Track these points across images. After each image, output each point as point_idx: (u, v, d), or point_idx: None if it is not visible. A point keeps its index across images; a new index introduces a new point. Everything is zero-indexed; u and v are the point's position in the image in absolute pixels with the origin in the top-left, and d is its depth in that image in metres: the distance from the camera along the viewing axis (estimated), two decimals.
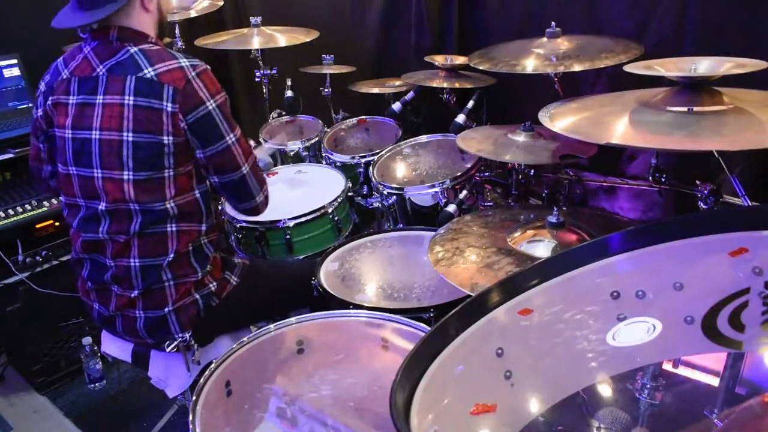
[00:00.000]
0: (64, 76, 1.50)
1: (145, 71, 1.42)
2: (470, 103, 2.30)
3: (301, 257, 2.12)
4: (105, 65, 1.46)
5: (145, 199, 1.46)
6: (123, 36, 1.48)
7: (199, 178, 1.54)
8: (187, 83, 1.43)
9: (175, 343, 1.56)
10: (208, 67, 1.50)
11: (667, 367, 1.18)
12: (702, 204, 1.47)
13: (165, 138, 1.42)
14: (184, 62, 1.45)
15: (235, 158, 1.53)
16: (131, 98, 1.42)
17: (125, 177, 1.44)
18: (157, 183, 1.46)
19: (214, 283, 1.62)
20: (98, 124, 1.44)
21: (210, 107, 1.46)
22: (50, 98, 1.52)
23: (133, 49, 1.46)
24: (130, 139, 1.42)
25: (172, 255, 1.51)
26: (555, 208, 1.56)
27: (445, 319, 0.85)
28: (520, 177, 2.04)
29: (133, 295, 1.53)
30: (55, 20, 1.51)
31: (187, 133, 1.45)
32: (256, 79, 2.99)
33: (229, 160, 1.52)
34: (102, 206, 1.48)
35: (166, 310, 1.54)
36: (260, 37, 2.77)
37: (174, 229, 1.51)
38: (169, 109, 1.41)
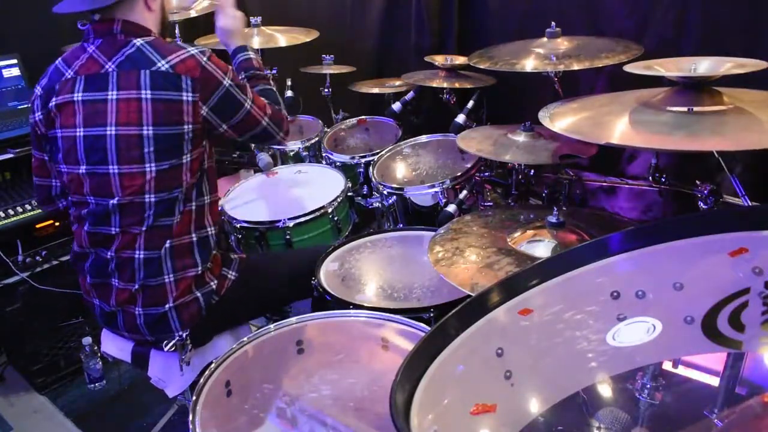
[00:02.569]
0: (69, 76, 1.50)
1: (159, 64, 1.44)
2: (470, 103, 2.29)
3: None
4: (114, 61, 1.47)
5: (164, 188, 1.48)
6: (127, 29, 1.49)
7: (201, 159, 1.57)
8: (202, 70, 1.48)
9: (174, 341, 1.56)
10: (211, 50, 1.55)
11: (667, 367, 1.18)
12: (702, 204, 1.47)
13: (186, 126, 1.47)
14: (193, 50, 1.50)
15: (255, 118, 1.62)
16: (148, 92, 1.43)
17: (147, 169, 1.46)
18: (177, 170, 1.49)
19: (214, 281, 1.62)
20: (113, 120, 1.45)
21: (227, 84, 1.52)
22: (53, 100, 1.51)
23: (140, 42, 1.47)
24: (151, 132, 1.44)
25: (175, 241, 1.52)
26: (555, 208, 1.56)
27: (445, 319, 0.85)
28: (520, 177, 2.04)
29: (134, 288, 1.53)
30: (57, 6, 1.51)
31: (209, 117, 1.51)
32: None
33: (251, 121, 1.61)
34: (114, 201, 1.48)
35: (167, 306, 1.55)
36: (260, 37, 2.77)
37: (178, 218, 1.52)
38: (190, 98, 1.45)
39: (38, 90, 1.55)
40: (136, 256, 1.52)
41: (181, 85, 1.45)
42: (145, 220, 1.49)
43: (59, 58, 1.56)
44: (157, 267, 1.52)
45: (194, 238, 1.56)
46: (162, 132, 1.45)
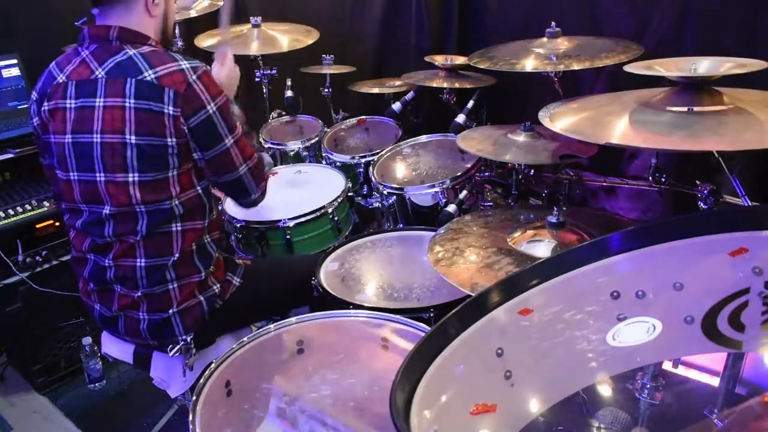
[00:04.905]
0: (60, 81, 1.48)
1: (145, 74, 1.41)
2: (470, 103, 2.30)
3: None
4: (104, 67, 1.44)
5: (151, 200, 1.45)
6: (123, 36, 1.46)
7: (198, 174, 1.54)
8: (188, 87, 1.41)
9: (178, 346, 1.55)
10: (208, 67, 1.49)
11: (667, 367, 1.18)
12: (702, 204, 1.47)
13: (169, 139, 1.42)
14: (185, 64, 1.44)
15: (232, 160, 1.52)
16: (132, 101, 1.40)
17: (130, 179, 1.44)
18: (163, 183, 1.45)
19: (218, 285, 1.61)
20: (99, 127, 1.43)
21: (211, 111, 1.45)
22: (45, 104, 1.49)
23: (132, 51, 1.44)
24: (134, 141, 1.41)
25: (177, 254, 1.51)
26: (555, 208, 1.56)
27: (445, 319, 0.85)
28: (520, 177, 2.04)
29: (137, 295, 1.53)
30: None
31: (188, 136, 1.45)
32: (256, 80, 2.99)
33: (226, 162, 1.52)
34: (107, 210, 1.47)
35: (171, 311, 1.54)
36: (260, 40, 2.77)
37: (179, 228, 1.51)
38: (171, 112, 1.40)
39: (34, 95, 1.53)
40: (138, 264, 1.51)
41: (164, 98, 1.39)
42: (140, 229, 1.47)
43: (53, 62, 1.53)
44: (161, 276, 1.51)
45: (193, 247, 1.55)
46: (145, 142, 1.41)
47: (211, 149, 1.48)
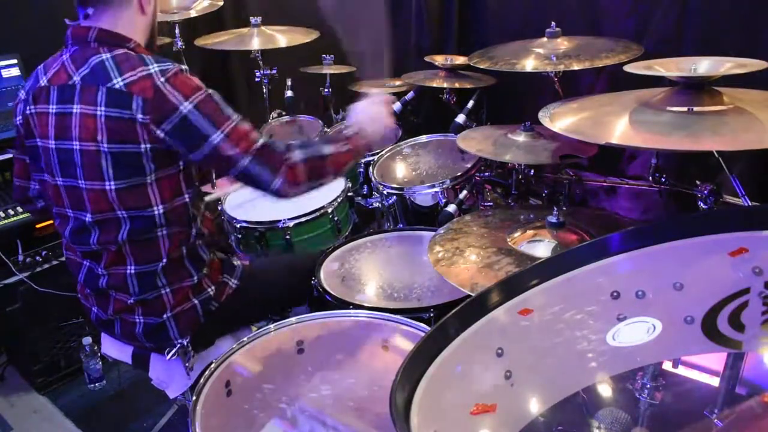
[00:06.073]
0: (43, 84, 1.46)
1: (114, 81, 1.37)
2: (470, 103, 2.29)
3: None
4: (79, 73, 1.41)
5: (132, 205, 1.43)
6: (101, 38, 1.42)
7: (188, 182, 1.50)
8: (155, 92, 1.35)
9: (175, 349, 1.54)
10: (183, 67, 1.41)
11: (667, 367, 1.18)
12: (702, 204, 1.47)
13: (142, 145, 1.37)
14: (154, 68, 1.37)
15: (227, 154, 1.40)
16: (103, 109, 1.37)
17: (107, 186, 1.41)
18: (140, 189, 1.42)
19: (213, 287, 1.60)
20: (77, 134, 1.40)
21: (185, 110, 1.36)
22: (30, 107, 1.48)
23: (106, 56, 1.40)
24: (107, 150, 1.38)
25: (165, 260, 1.49)
26: (555, 208, 1.56)
27: (445, 319, 0.85)
28: (520, 177, 2.04)
29: (130, 301, 1.52)
30: None
31: (169, 142, 1.39)
32: (256, 79, 2.99)
33: (222, 158, 1.42)
34: (88, 217, 1.46)
35: (165, 316, 1.53)
36: (260, 38, 2.77)
37: (164, 233, 1.48)
38: (140, 119, 1.35)
39: (22, 94, 1.52)
40: (128, 272, 1.49)
41: (132, 105, 1.34)
42: (121, 236, 1.45)
43: (43, 63, 1.51)
44: (152, 282, 1.50)
45: (183, 251, 1.53)
46: (117, 150, 1.38)
47: (199, 148, 1.39)
